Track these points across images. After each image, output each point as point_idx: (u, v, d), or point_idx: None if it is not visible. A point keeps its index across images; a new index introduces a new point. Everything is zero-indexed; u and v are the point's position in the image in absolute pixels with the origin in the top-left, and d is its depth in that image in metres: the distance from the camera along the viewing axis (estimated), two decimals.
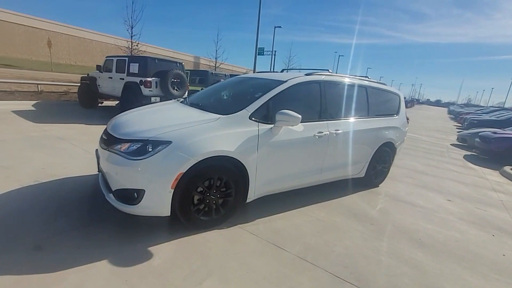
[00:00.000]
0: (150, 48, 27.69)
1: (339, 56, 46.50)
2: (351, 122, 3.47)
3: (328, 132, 3.11)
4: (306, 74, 3.23)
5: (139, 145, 2.19)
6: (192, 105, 3.11)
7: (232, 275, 1.92)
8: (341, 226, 2.81)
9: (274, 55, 27.82)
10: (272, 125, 2.65)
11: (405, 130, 4.44)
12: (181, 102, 3.43)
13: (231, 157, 2.38)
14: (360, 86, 3.74)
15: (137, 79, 7.23)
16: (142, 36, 15.59)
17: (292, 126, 2.69)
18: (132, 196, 2.16)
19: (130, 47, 15.26)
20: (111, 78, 8.03)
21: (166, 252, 2.08)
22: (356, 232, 2.72)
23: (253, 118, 2.60)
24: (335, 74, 3.55)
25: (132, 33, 15.13)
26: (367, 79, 4.03)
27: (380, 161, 4.04)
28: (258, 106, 2.67)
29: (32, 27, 30.85)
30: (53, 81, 11.70)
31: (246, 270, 1.99)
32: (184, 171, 2.16)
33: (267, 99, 2.74)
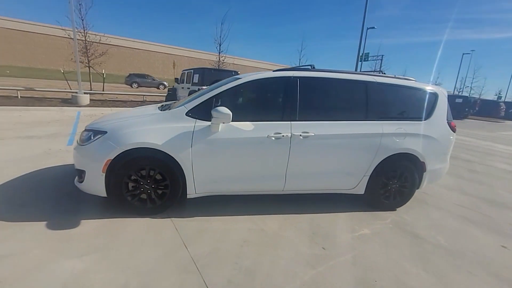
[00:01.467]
0: (237, 60, 31.18)
1: (470, 52, 36.83)
2: (335, 124, 2.89)
3: (289, 134, 2.73)
4: (274, 71, 2.96)
5: (88, 134, 2.64)
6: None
7: (114, 257, 2.03)
8: (281, 243, 2.39)
9: (381, 59, 24.94)
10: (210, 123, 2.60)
11: (446, 142, 3.27)
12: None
13: (159, 150, 2.50)
14: (355, 82, 3.06)
15: (196, 88, 8.31)
16: (230, 50, 17.78)
17: (224, 123, 2.56)
18: (80, 175, 2.62)
19: (218, 60, 17.55)
20: (183, 88, 9.57)
21: (89, 226, 2.41)
22: (294, 252, 2.26)
23: (190, 115, 2.64)
24: (315, 70, 3.06)
25: (220, 49, 17.42)
26: (375, 73, 3.25)
27: (395, 178, 3.13)
28: (198, 103, 2.68)
29: (165, 53, 40.31)
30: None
31: (131, 257, 2.05)
32: (112, 158, 2.45)
33: (210, 96, 2.71)
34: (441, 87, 3.48)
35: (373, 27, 21.94)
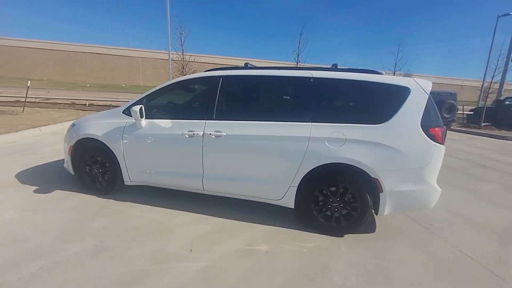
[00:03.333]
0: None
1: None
2: (253, 125, 2.65)
3: (202, 133, 2.73)
4: (206, 70, 3.01)
5: (71, 125, 3.51)
6: None
7: (41, 213, 2.67)
8: (163, 237, 2.44)
9: None
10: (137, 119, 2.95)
11: (419, 155, 2.35)
12: None
13: (98, 140, 3.07)
14: (287, 79, 2.69)
15: None
16: (308, 59, 17.64)
17: (136, 120, 2.84)
18: (65, 157, 3.52)
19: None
20: None
21: (53, 194, 3.20)
22: (159, 246, 2.27)
23: (125, 113, 3.07)
24: (248, 68, 2.87)
25: (298, 59, 17.44)
26: (320, 68, 2.71)
27: (335, 195, 2.52)
28: (133, 102, 3.07)
29: None
30: None
31: (51, 215, 2.64)
32: (72, 144, 3.21)
33: (143, 96, 3.06)
34: (423, 80, 2.51)
35: (509, 14, 16.43)
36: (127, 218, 2.73)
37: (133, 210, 2.92)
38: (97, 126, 3.13)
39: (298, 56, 17.42)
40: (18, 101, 11.79)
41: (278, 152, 2.57)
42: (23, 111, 9.23)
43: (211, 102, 2.81)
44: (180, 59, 15.59)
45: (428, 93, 2.41)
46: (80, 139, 3.16)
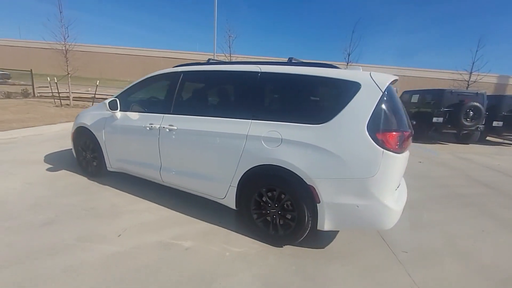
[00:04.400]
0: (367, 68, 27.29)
1: None
2: (201, 120, 2.63)
3: (158, 126, 2.84)
4: (174, 66, 3.11)
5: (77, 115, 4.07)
6: None
7: (37, 186, 3.20)
8: (104, 220, 2.63)
9: None
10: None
11: (363, 163, 1.95)
12: None
13: (88, 128, 3.49)
14: (237, 74, 2.56)
15: None
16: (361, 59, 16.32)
17: (107, 111, 3.10)
18: None
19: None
20: None
21: (53, 172, 3.78)
22: (89, 226, 2.46)
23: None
24: (207, 63, 2.83)
25: (348, 59, 16.23)
26: (271, 62, 2.48)
27: (273, 200, 2.31)
28: (116, 96, 3.38)
29: None
30: None
31: (45, 188, 3.14)
32: (73, 132, 3.73)
33: (122, 91, 3.33)
34: (383, 74, 2.06)
35: None
36: (93, 199, 3.04)
37: (105, 194, 3.22)
38: (89, 117, 3.56)
39: (349, 56, 16.29)
40: (94, 98, 14.18)
41: (219, 149, 2.49)
42: (92, 105, 11.10)
43: (170, 96, 2.90)
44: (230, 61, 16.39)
45: (383, 90, 1.98)
46: (77, 127, 3.65)
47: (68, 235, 2.32)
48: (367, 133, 1.94)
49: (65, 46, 10.41)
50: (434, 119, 8.32)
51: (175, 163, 2.83)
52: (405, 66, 40.23)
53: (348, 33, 16.24)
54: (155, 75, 3.15)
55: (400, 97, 10.59)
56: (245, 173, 2.36)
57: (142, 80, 3.23)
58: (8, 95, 12.89)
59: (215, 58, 13.81)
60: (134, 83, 3.31)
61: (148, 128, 2.91)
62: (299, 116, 2.20)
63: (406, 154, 2.14)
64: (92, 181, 3.55)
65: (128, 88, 3.33)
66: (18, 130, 6.15)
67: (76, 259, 2.02)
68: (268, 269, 2.06)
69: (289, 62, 2.49)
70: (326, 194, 2.05)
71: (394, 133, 1.95)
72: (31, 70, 14.14)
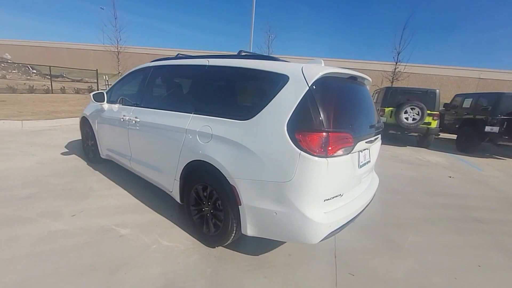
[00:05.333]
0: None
1: None
2: (156, 113, 2.69)
3: (128, 117, 3.00)
4: (151, 61, 3.23)
5: None
6: None
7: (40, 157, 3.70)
8: (72, 201, 2.89)
9: None
10: None
11: (278, 165, 1.74)
12: None
13: (87, 118, 3.89)
14: (190, 67, 2.54)
15: None
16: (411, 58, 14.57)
17: (91, 102, 3.37)
18: None
19: (394, 71, 14.92)
20: None
21: (64, 156, 4.30)
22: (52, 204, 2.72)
23: None
24: (175, 58, 2.87)
25: (398, 58, 14.63)
26: (216, 55, 2.37)
27: (206, 198, 2.24)
28: (109, 88, 3.67)
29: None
30: None
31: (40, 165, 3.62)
32: (79, 121, 4.20)
33: (113, 85, 3.61)
34: (317, 66, 1.78)
35: None
36: (77, 182, 3.37)
37: (91, 178, 3.54)
38: (89, 108, 3.95)
39: (398, 54, 14.77)
40: None
41: (166, 142, 2.51)
42: None
43: (140, 90, 3.05)
44: None
45: (310, 84, 1.73)
46: (82, 117, 4.10)
47: (34, 210, 2.61)
48: (286, 131, 1.72)
49: (117, 48, 11.81)
50: (487, 128, 6.95)
51: (139, 153, 2.96)
52: (483, 67, 34.49)
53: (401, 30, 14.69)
54: (134, 70, 3.35)
55: (451, 101, 9.19)
56: (184, 167, 2.33)
57: (126, 74, 3.46)
58: (77, 91, 15.23)
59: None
60: (121, 77, 3.56)
61: (121, 120, 3.10)
62: (229, 111, 2.08)
63: (343, 159, 1.83)
64: (88, 166, 3.95)
65: (116, 82, 3.60)
66: (64, 119, 7.19)
67: (24, 231, 2.26)
68: (182, 267, 1.99)
69: (238, 55, 2.37)
70: (246, 196, 1.89)
71: (316, 133, 1.68)
72: (96, 70, 16.40)
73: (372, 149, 2.39)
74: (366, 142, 2.11)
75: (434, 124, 7.57)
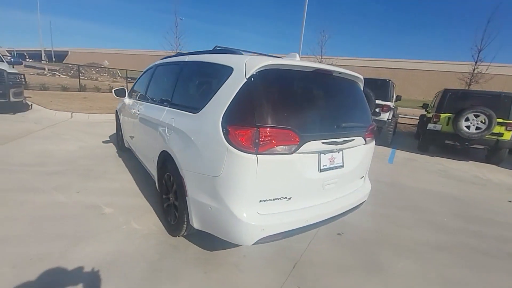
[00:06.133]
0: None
1: None
2: (149, 107, 2.94)
3: (134, 111, 3.34)
4: (161, 58, 3.50)
5: None
6: None
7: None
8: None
9: None
10: None
11: (211, 160, 1.70)
12: None
13: (117, 111, 4.45)
14: (176, 64, 2.68)
15: None
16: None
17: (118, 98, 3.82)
18: None
19: (472, 72, 12.51)
20: None
21: (104, 144, 4.99)
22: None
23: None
24: (170, 57, 3.05)
25: (477, 59, 12.18)
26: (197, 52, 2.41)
27: (172, 188, 2.33)
28: (132, 85, 4.13)
29: None
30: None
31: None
32: (115, 115, 4.83)
33: (135, 82, 4.04)
34: (260, 58, 1.63)
35: None
36: (99, 164, 3.88)
37: (113, 163, 4.03)
38: (120, 103, 4.52)
39: (479, 52, 12.36)
40: None
41: (150, 133, 2.71)
42: None
43: (145, 85, 3.35)
44: (319, 61, 15.85)
45: (247, 77, 1.63)
46: (116, 111, 4.71)
47: (52, 183, 3.13)
48: (220, 125, 1.67)
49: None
50: None
51: (138, 143, 3.27)
52: None
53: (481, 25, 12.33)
54: (147, 67, 3.69)
55: None
56: (158, 157, 2.47)
57: (142, 73, 3.84)
58: None
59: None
60: (139, 77, 3.97)
61: (132, 113, 3.46)
62: (188, 104, 2.14)
63: (284, 158, 1.66)
64: (116, 153, 4.51)
65: (137, 79, 4.02)
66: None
67: (34, 198, 2.74)
68: (134, 249, 2.11)
69: (212, 50, 2.39)
70: (191, 188, 1.90)
71: (244, 127, 1.57)
72: None
73: (350, 152, 2.10)
74: (328, 144, 1.86)
75: (509, 136, 6.09)
